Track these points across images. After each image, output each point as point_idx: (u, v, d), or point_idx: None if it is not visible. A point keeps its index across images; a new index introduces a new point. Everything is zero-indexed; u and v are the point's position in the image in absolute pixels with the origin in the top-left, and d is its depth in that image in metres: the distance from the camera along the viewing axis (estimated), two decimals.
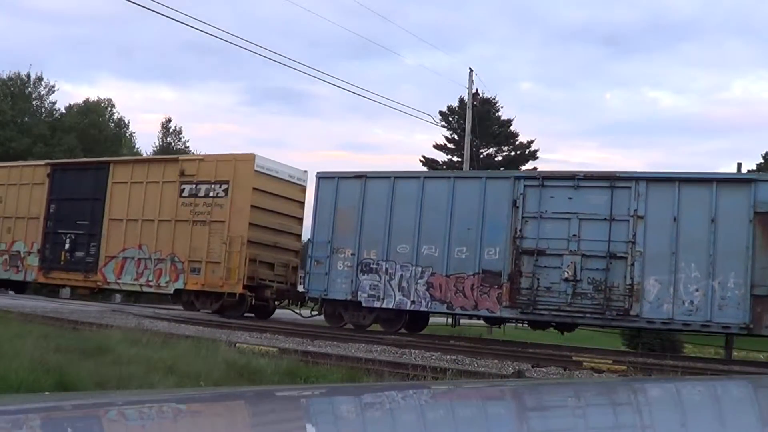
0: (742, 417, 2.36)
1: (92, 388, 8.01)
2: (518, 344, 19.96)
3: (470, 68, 39.41)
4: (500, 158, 53.08)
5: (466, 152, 38.62)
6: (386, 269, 21.31)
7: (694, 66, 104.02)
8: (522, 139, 53.53)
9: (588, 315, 19.42)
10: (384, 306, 21.35)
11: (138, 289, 25.90)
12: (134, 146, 59.92)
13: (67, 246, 26.62)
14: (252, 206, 23.43)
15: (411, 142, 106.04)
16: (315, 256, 22.12)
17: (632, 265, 18.86)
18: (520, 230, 20.00)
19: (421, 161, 54.09)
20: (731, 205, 18.09)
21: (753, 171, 41.47)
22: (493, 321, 21.33)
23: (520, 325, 21.30)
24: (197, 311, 24.13)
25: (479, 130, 42.25)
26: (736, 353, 22.28)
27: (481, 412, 2.35)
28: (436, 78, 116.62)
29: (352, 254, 21.68)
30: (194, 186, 24.26)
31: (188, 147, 59.36)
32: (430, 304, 20.94)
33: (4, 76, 54.26)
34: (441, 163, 53.01)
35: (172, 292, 24.75)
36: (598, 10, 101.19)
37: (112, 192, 25.94)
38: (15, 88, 54.65)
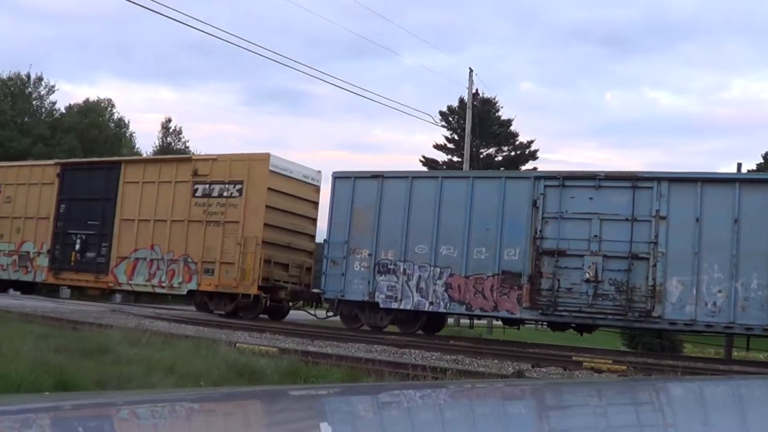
0: (742, 417, 2.35)
1: (92, 388, 7.93)
2: (518, 344, 19.62)
3: (470, 68, 39.05)
4: (500, 158, 52.66)
5: (466, 152, 38.23)
6: (404, 270, 20.84)
7: (694, 66, 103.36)
8: (522, 139, 53.14)
9: (609, 316, 19.06)
10: (402, 307, 20.88)
11: (150, 290, 25.35)
12: (134, 146, 59.18)
13: (77, 246, 26.02)
14: (267, 206, 22.89)
15: (411, 142, 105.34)
16: (331, 257, 21.62)
17: (654, 266, 18.50)
18: (541, 231, 19.58)
19: (421, 161, 53.64)
20: (754, 205, 17.76)
21: (753, 171, 41.19)
22: (512, 322, 20.90)
23: (540, 326, 20.84)
24: (210, 312, 23.62)
25: (479, 130, 41.84)
26: (736, 353, 22.02)
27: (481, 412, 2.31)
28: (436, 78, 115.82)
29: (369, 255, 21.20)
30: (208, 186, 23.71)
31: (188, 147, 58.64)
32: (448, 305, 20.49)
33: (4, 76, 53.56)
34: (441, 163, 52.55)
35: (185, 293, 24.21)
36: (598, 10, 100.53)
37: (124, 192, 25.36)
38: (15, 88, 53.95)
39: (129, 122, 60.43)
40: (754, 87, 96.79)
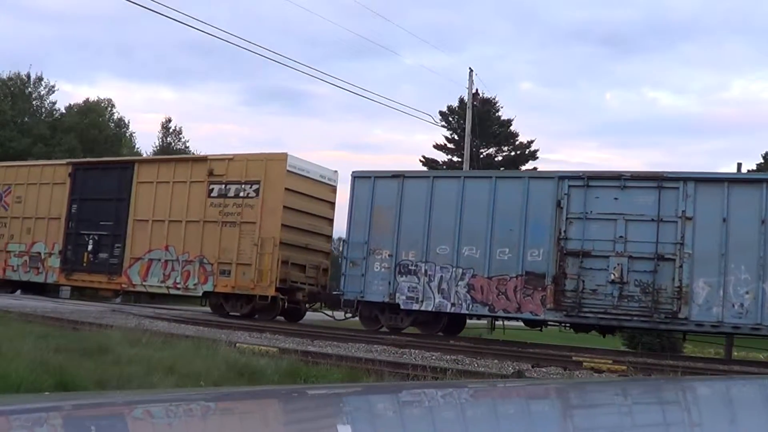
0: (742, 417, 2.31)
1: (92, 388, 7.85)
2: (518, 344, 19.24)
3: (470, 68, 38.57)
4: (500, 158, 52.22)
5: (466, 152, 37.80)
6: (425, 271, 20.30)
7: (694, 66, 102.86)
8: (522, 139, 52.68)
9: (635, 318, 18.60)
10: (423, 308, 20.35)
11: (165, 291, 24.69)
12: (134, 146, 58.55)
13: (90, 247, 25.31)
14: (284, 207, 22.28)
15: (411, 142, 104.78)
16: (351, 258, 21.05)
17: (680, 266, 18.07)
18: (565, 231, 19.09)
19: (421, 161, 53.18)
20: None
21: (753, 171, 40.82)
22: (535, 324, 20.39)
23: (564, 328, 20.33)
24: (226, 314, 23.01)
25: (479, 130, 41.42)
26: (736, 353, 21.65)
27: (481, 412, 2.29)
28: (435, 78, 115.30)
29: (389, 255, 20.64)
30: (223, 186, 23.06)
31: (188, 147, 58.08)
32: (471, 306, 19.97)
33: (4, 76, 53.14)
34: (441, 163, 52.11)
35: (200, 294, 23.58)
36: (598, 10, 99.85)
37: (137, 192, 24.69)
38: (15, 88, 53.50)
39: (129, 122, 59.97)
40: (754, 87, 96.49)
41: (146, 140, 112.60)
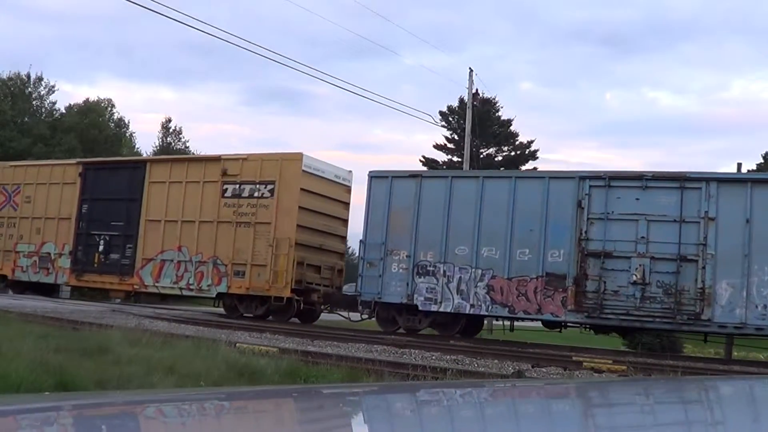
0: (742, 417, 2.30)
1: (92, 388, 7.79)
2: (518, 344, 18.99)
3: (470, 68, 38.14)
4: (500, 158, 51.80)
5: (466, 152, 37.43)
6: (444, 271, 19.86)
7: (694, 66, 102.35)
8: (522, 139, 52.20)
9: (657, 319, 18.23)
10: (442, 310, 19.90)
11: (178, 292, 24.16)
12: (134, 146, 57.95)
13: (101, 248, 24.71)
14: (299, 207, 21.75)
15: (411, 142, 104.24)
16: (368, 258, 20.58)
17: (703, 268, 17.72)
18: (586, 232, 18.69)
19: (421, 161, 52.67)
20: None
21: (753, 171, 40.52)
22: (554, 325, 19.98)
23: (585, 329, 19.94)
24: (240, 316, 22.50)
25: (479, 130, 41.02)
26: (736, 353, 21.40)
27: (480, 412, 2.28)
28: (435, 78, 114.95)
29: (407, 256, 20.19)
30: (237, 186, 22.50)
31: (188, 147, 57.56)
32: (490, 307, 19.54)
33: (4, 76, 52.72)
34: (441, 163, 51.66)
35: (214, 295, 23.04)
36: (598, 10, 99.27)
37: (149, 192, 24.12)
38: (15, 88, 53.06)
39: (129, 122, 59.39)
40: (754, 87, 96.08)
41: (146, 140, 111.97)
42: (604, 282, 18.45)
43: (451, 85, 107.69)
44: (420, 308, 20.09)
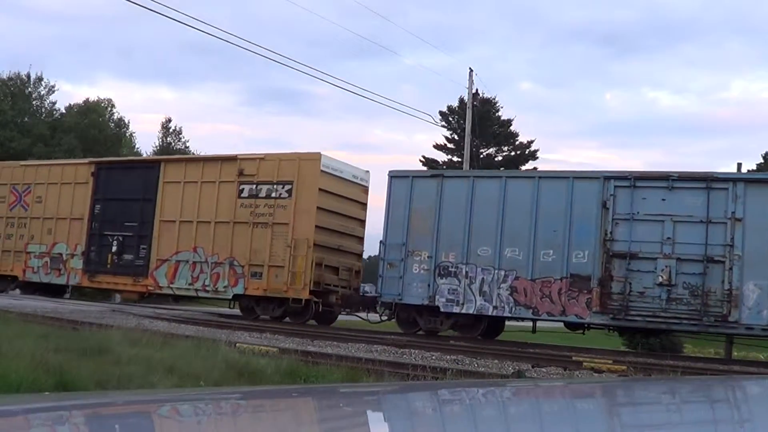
0: (742, 417, 2.29)
1: (92, 388, 7.72)
2: (518, 344, 18.74)
3: (470, 68, 37.67)
4: (500, 158, 51.40)
5: (466, 152, 37.05)
6: (466, 273, 19.35)
7: (694, 66, 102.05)
8: (522, 139, 51.84)
9: (684, 321, 17.80)
10: (464, 311, 19.40)
11: (193, 294, 23.54)
12: (134, 146, 57.22)
13: (114, 248, 23.98)
14: (317, 208, 21.16)
15: (411, 142, 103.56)
16: (388, 259, 20.04)
17: (730, 269, 17.31)
18: (611, 232, 18.23)
19: (421, 161, 52.26)
20: None
21: (753, 171, 40.17)
22: (577, 327, 19.50)
23: (609, 331, 19.50)
24: (257, 317, 21.92)
25: (479, 130, 40.69)
26: (736, 353, 21.09)
27: (480, 412, 2.23)
28: (436, 78, 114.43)
29: (428, 257, 19.67)
30: (254, 186, 21.83)
31: (188, 147, 56.85)
32: (513, 309, 19.06)
33: (4, 76, 52.11)
34: (441, 163, 51.20)
35: (230, 297, 22.40)
36: (598, 10, 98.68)
37: (164, 192, 23.42)
38: (15, 88, 52.44)
39: (129, 122, 58.60)
40: (753, 87, 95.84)
41: (146, 140, 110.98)
42: (630, 283, 18.02)
43: (451, 85, 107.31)
44: (442, 309, 19.60)
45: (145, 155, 51.07)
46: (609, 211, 18.27)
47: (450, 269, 19.53)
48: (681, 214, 17.67)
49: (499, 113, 51.52)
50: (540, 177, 19.34)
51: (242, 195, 21.99)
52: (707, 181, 17.72)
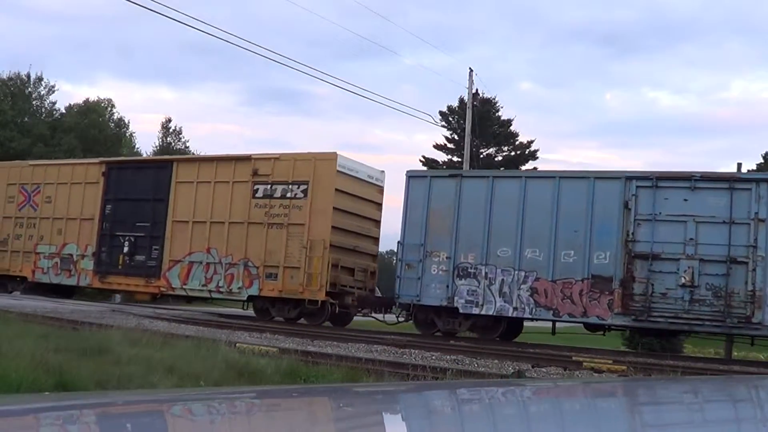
0: (742, 417, 2.28)
1: (92, 388, 7.66)
2: (518, 344, 18.58)
3: (470, 68, 37.31)
4: (500, 158, 50.98)
5: (466, 152, 36.67)
6: (485, 273, 18.93)
7: (694, 66, 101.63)
8: (522, 139, 51.35)
9: (707, 322, 17.44)
10: (483, 313, 18.98)
11: (207, 295, 23.05)
12: (134, 146, 56.57)
13: (125, 249, 23.41)
14: (334, 208, 20.69)
15: (411, 142, 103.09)
16: (406, 260, 19.60)
17: (754, 270, 17.01)
18: (633, 233, 17.84)
19: (421, 161, 51.79)
20: None
21: (753, 171, 39.92)
22: (598, 328, 19.11)
23: (627, 334, 19.15)
24: (271, 319, 21.43)
25: (479, 130, 40.28)
26: (736, 353, 20.90)
27: (480, 412, 2.24)
28: (435, 78, 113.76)
29: (447, 258, 19.25)
30: (269, 186, 21.29)
31: (188, 147, 56.24)
32: (534, 310, 18.65)
33: (4, 76, 51.44)
34: (441, 163, 50.77)
35: (245, 298, 21.86)
36: (598, 10, 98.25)
37: (176, 192, 22.85)
38: (15, 88, 51.83)
39: (129, 122, 57.92)
40: (753, 87, 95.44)
41: (146, 140, 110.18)
42: (652, 284, 17.66)
43: (451, 85, 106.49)
44: (461, 311, 19.17)
45: (145, 155, 50.52)
46: (631, 211, 17.91)
47: (469, 270, 19.12)
48: (704, 215, 17.32)
49: (499, 113, 51.08)
50: (561, 177, 18.87)
51: (257, 195, 21.47)
52: (730, 181, 17.42)
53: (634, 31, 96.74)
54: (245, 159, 22.04)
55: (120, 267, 23.54)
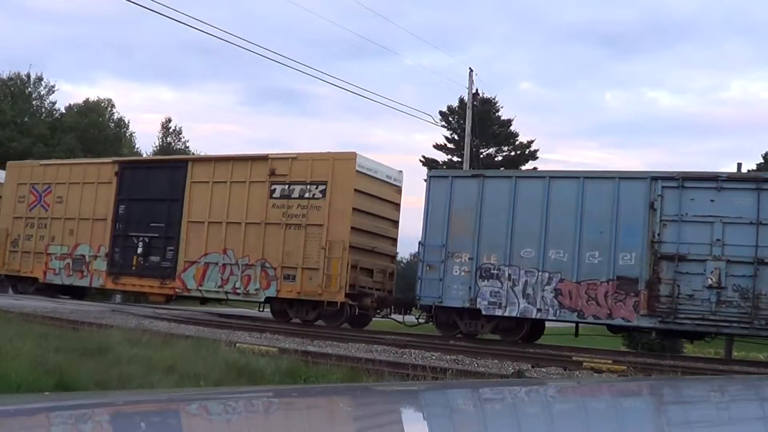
0: (741, 417, 2.25)
1: (92, 388, 7.62)
2: (518, 344, 18.14)
3: (470, 68, 36.84)
4: (500, 158, 50.63)
5: (466, 152, 36.28)
6: (509, 275, 18.47)
7: (694, 66, 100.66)
8: (522, 139, 51.04)
9: (734, 324, 17.03)
10: (506, 314, 18.51)
11: (223, 296, 22.46)
12: (134, 146, 56.10)
13: (139, 250, 22.80)
14: (353, 209, 20.18)
15: (411, 142, 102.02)
16: (427, 261, 19.12)
17: None
18: (659, 234, 17.43)
19: (421, 161, 51.46)
20: None
21: (753, 171, 39.63)
22: (622, 330, 18.67)
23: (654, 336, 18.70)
24: (288, 320, 20.90)
25: (479, 130, 39.86)
26: (736, 353, 20.72)
27: (480, 412, 2.23)
28: (435, 78, 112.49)
29: (469, 258, 18.78)
30: (287, 186, 20.69)
31: (188, 147, 55.95)
32: (558, 312, 18.20)
33: (4, 76, 51.39)
34: (441, 163, 50.38)
35: (262, 300, 21.29)
36: (597, 10, 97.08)
37: (191, 192, 22.25)
38: (15, 88, 51.59)
39: (129, 122, 57.66)
40: (753, 87, 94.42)
41: (146, 140, 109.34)
42: (678, 286, 17.26)
43: (451, 85, 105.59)
44: (483, 312, 18.69)
45: (145, 155, 49.94)
46: (656, 212, 17.51)
47: (492, 271, 18.66)
48: (730, 216, 16.93)
49: (499, 113, 50.76)
50: (585, 177, 18.39)
51: (274, 195, 20.87)
52: (757, 182, 17.07)
53: (633, 31, 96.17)
54: (262, 159, 21.45)
55: (134, 268, 22.91)
